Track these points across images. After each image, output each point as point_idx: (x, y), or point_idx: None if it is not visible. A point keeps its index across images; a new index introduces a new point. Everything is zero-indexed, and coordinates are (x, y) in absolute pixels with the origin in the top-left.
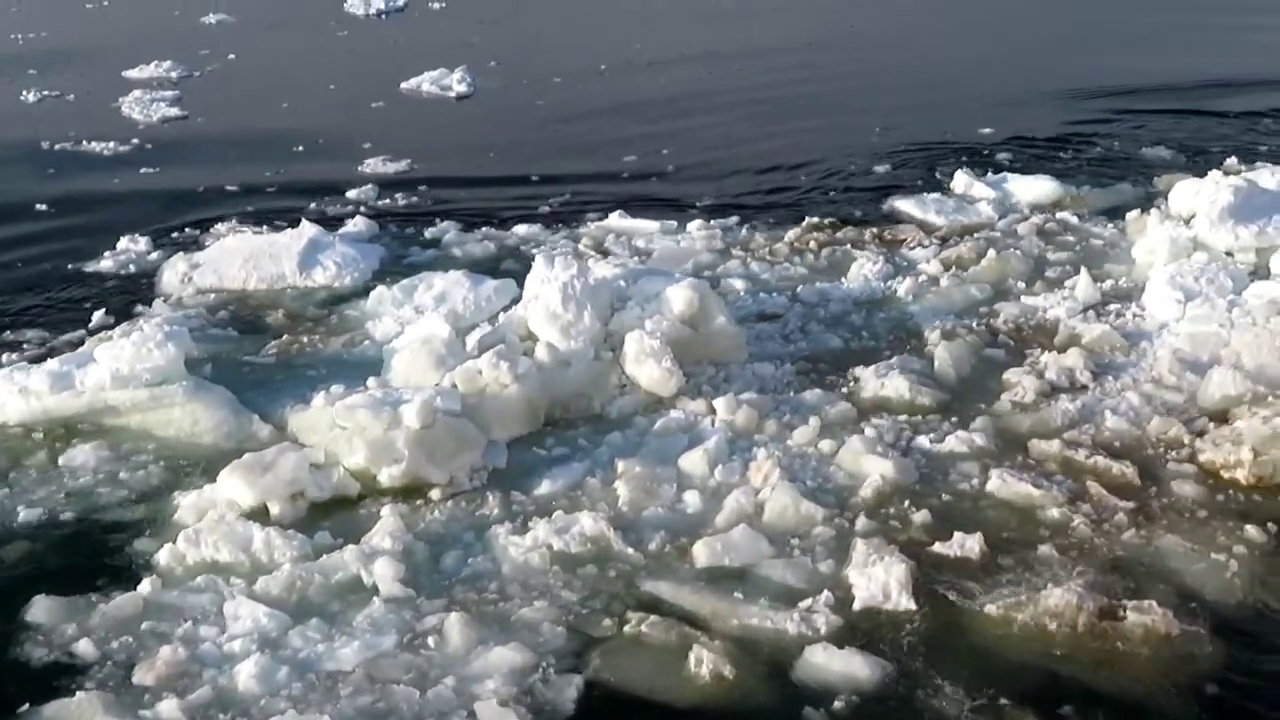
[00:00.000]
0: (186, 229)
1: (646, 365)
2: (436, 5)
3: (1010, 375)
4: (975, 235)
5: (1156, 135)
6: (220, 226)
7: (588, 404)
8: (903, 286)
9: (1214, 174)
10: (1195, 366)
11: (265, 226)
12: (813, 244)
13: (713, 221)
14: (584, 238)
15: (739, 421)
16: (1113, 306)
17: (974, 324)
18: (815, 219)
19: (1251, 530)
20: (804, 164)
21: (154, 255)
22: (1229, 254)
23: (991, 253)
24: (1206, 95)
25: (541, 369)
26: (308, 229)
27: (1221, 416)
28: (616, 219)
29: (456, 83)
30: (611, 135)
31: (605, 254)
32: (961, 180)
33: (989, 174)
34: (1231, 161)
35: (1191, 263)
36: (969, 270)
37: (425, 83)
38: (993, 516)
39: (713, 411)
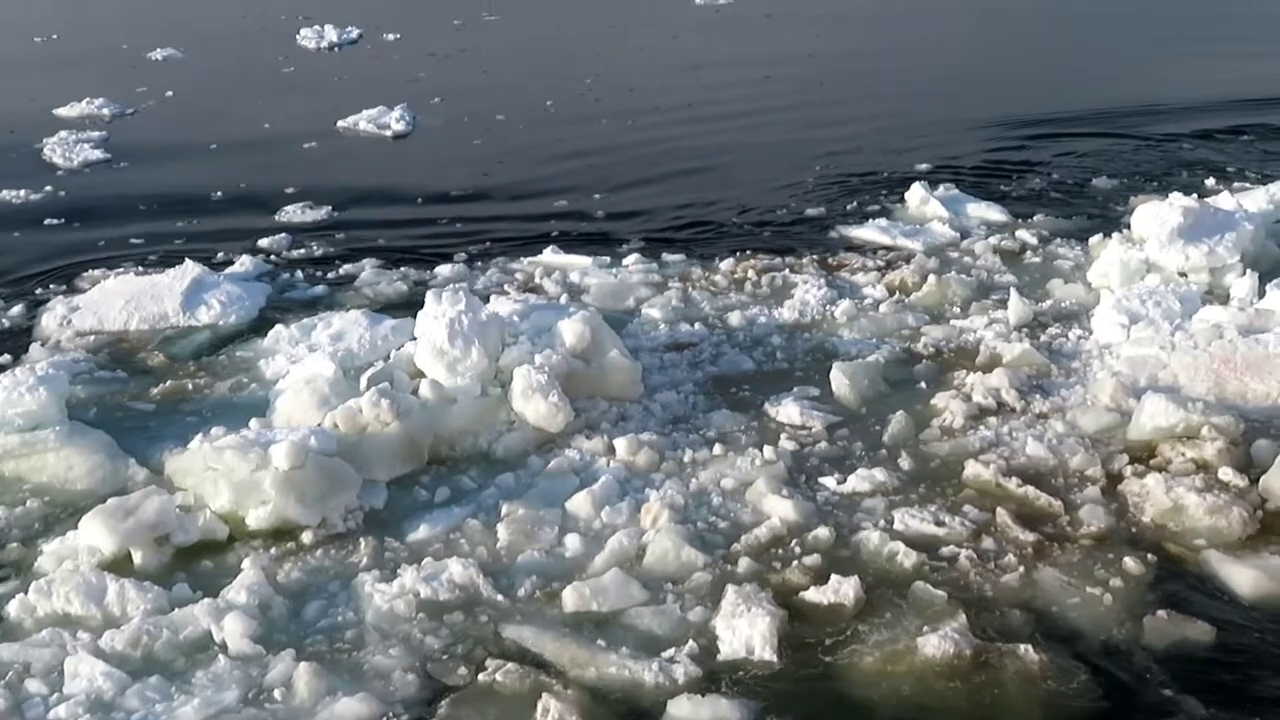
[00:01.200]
0: (58, 282)
1: (533, 400)
2: (390, 37)
3: (938, 400)
4: (929, 256)
5: (1106, 162)
6: (94, 272)
7: (474, 442)
8: (839, 310)
9: (1174, 195)
10: (1134, 390)
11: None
12: (751, 273)
13: (655, 254)
14: (516, 274)
15: (635, 460)
16: (1053, 329)
17: (895, 347)
18: (756, 247)
19: (1130, 562)
20: (745, 193)
21: (15, 310)
22: (1183, 275)
23: (932, 278)
24: (1143, 121)
25: (425, 406)
26: (191, 268)
27: (1149, 451)
28: (549, 255)
29: (395, 121)
30: (549, 171)
31: (535, 292)
32: (916, 194)
33: (943, 190)
34: (1210, 183)
35: (1142, 285)
36: (912, 295)
37: (363, 121)
38: (884, 556)
39: (610, 450)
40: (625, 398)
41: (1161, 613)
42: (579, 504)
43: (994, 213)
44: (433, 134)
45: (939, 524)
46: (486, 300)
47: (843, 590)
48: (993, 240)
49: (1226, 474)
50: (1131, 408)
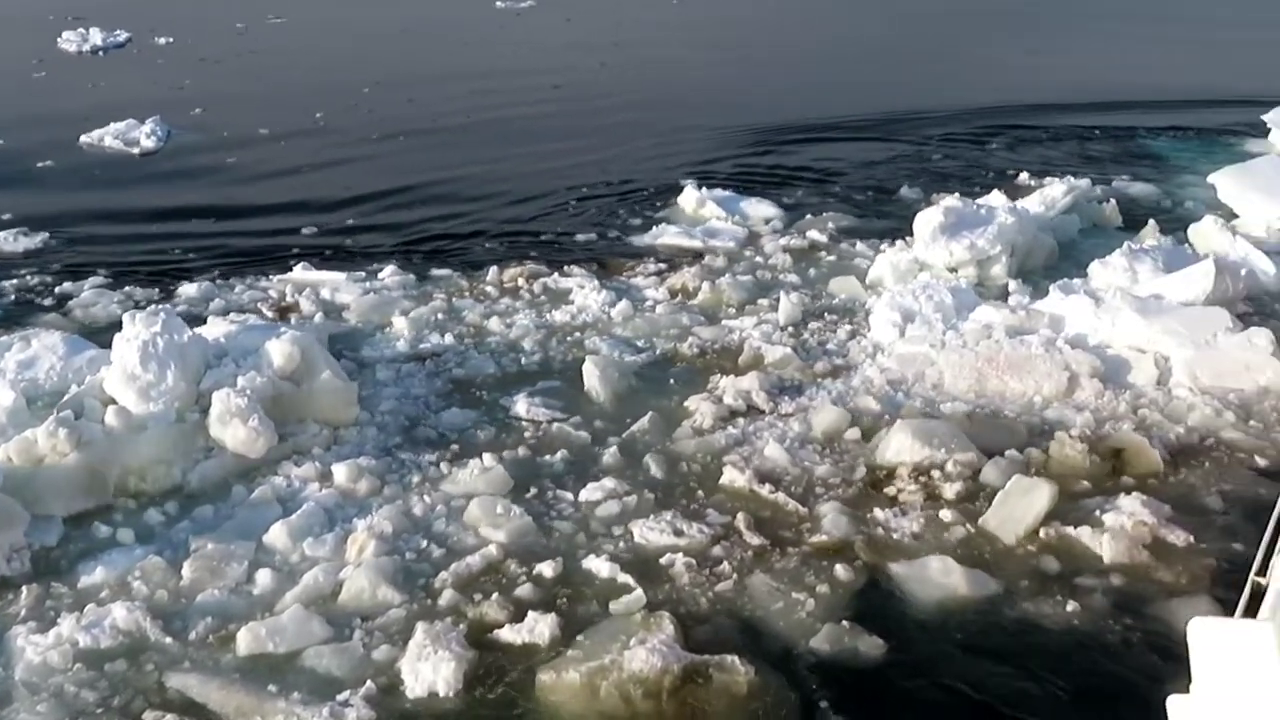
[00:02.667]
0: None
1: (232, 425)
2: (163, 40)
3: (690, 401)
4: (727, 256)
5: (911, 165)
6: None
7: (167, 472)
8: (615, 311)
9: (949, 198)
10: (890, 397)
11: None
12: (522, 280)
13: (424, 267)
14: (269, 292)
15: (352, 486)
16: (825, 330)
17: (659, 348)
18: (528, 256)
19: (840, 570)
20: (520, 203)
21: None
22: (953, 270)
23: (709, 280)
24: (945, 123)
25: (110, 435)
26: None
27: (889, 473)
28: (300, 272)
29: (145, 136)
30: (308, 187)
31: (290, 310)
32: (691, 196)
33: (718, 190)
34: (1024, 178)
35: (916, 283)
36: (695, 297)
37: (109, 136)
38: (602, 574)
39: (324, 477)
40: (340, 420)
41: (844, 622)
42: (276, 536)
43: (771, 209)
44: (185, 149)
45: (677, 533)
46: (202, 322)
47: (538, 629)
48: (784, 240)
49: (948, 515)
50: (876, 410)
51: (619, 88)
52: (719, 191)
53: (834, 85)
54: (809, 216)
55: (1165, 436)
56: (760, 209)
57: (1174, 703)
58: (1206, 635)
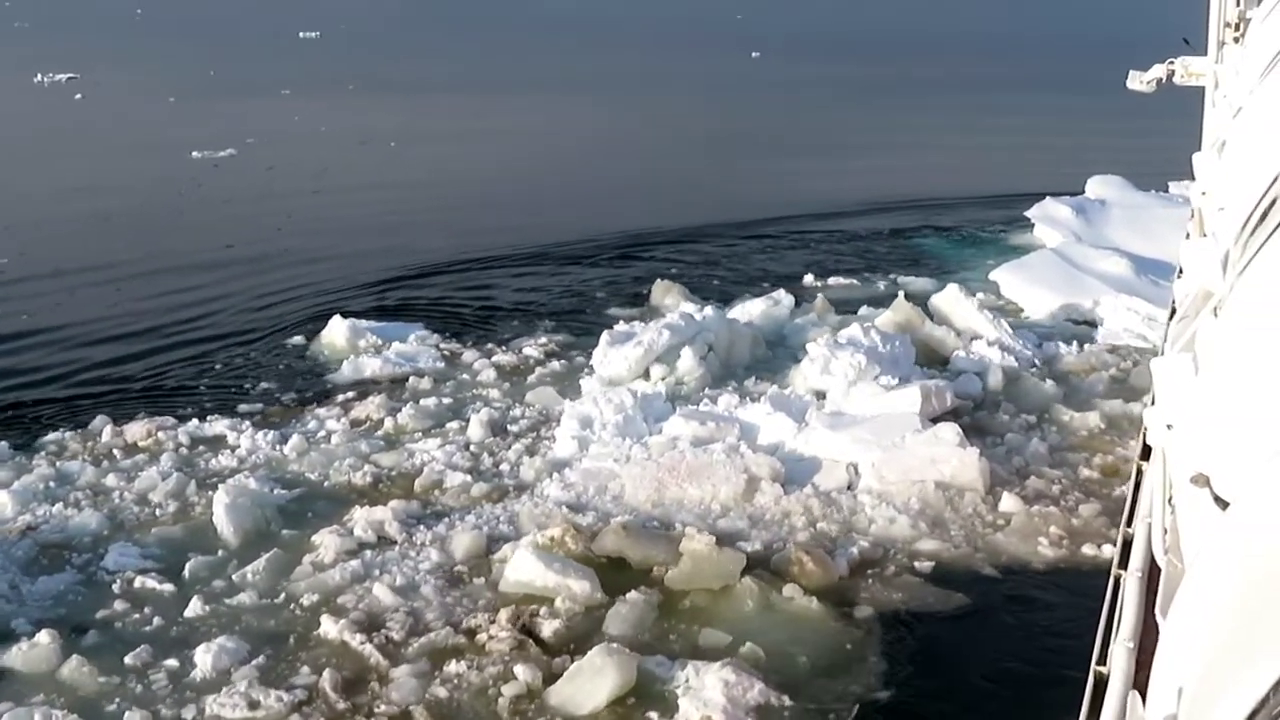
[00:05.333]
0: None
1: None
2: None
3: (319, 535)
4: (424, 376)
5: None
6: None
7: None
8: (288, 447)
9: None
10: (550, 516)
11: None
12: (161, 434)
13: (27, 434)
14: None
15: None
16: (499, 445)
17: (329, 480)
18: (166, 411)
19: None
20: (158, 355)
21: None
22: (644, 377)
23: (396, 407)
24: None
25: None
26: None
27: (511, 601)
28: None
29: None
30: None
31: None
32: (340, 329)
33: (370, 321)
34: (809, 279)
35: (602, 396)
36: (380, 426)
37: None
38: None
39: None
40: None
41: None
42: None
43: (428, 333)
44: None
45: (253, 705)
46: None
47: None
48: (493, 359)
49: (525, 674)
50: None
51: (300, 241)
52: (372, 322)
53: (574, 213)
54: (517, 338)
55: (839, 547)
56: (425, 333)
57: None
58: None
